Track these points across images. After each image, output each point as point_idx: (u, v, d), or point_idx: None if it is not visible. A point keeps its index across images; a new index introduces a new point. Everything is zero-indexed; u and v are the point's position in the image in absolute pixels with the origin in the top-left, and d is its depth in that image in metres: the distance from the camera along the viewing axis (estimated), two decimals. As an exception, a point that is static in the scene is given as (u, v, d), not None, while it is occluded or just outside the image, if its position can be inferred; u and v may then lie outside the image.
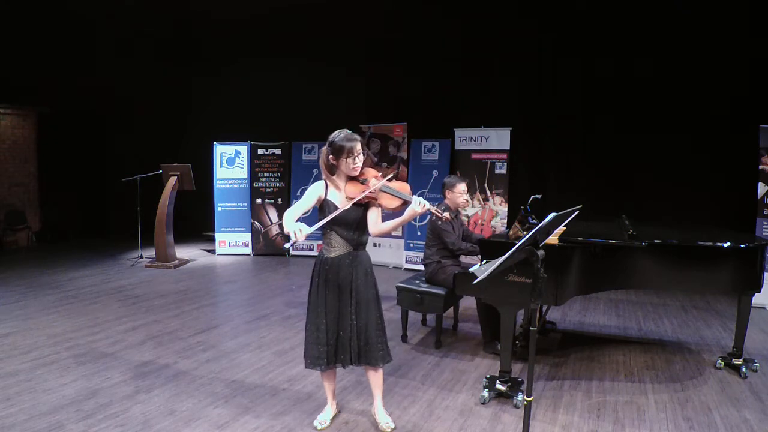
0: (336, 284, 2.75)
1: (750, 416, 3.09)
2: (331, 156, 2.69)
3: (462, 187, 4.30)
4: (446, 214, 2.70)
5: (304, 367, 2.85)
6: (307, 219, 2.45)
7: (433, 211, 2.64)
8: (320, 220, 2.65)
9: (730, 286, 3.62)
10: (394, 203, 2.66)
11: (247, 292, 6.08)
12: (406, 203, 2.63)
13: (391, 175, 2.74)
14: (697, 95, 6.19)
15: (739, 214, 5.92)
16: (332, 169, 2.73)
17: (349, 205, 2.62)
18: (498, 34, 7.17)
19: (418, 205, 2.54)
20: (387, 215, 2.76)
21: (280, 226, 8.29)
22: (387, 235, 2.78)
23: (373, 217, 2.73)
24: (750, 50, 5.93)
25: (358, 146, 2.67)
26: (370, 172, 2.79)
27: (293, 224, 2.44)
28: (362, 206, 2.71)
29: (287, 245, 2.54)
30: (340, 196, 2.72)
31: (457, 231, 4.33)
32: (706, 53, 6.12)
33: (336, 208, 2.66)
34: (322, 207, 2.73)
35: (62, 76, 8.94)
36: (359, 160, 2.69)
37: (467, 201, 4.41)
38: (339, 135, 2.69)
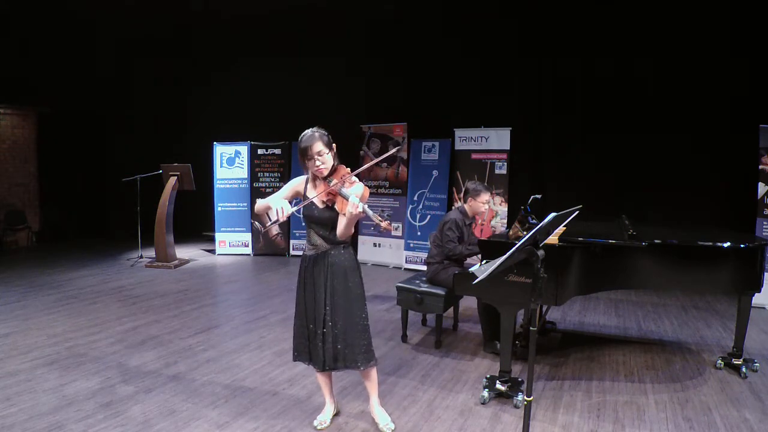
0: (312, 283, 2.75)
1: (750, 416, 3.09)
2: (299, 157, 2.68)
3: (486, 196, 4.30)
4: (384, 223, 2.56)
5: (292, 359, 2.88)
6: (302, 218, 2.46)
7: (372, 216, 2.50)
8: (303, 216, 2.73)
9: (730, 286, 3.62)
10: (345, 206, 2.55)
11: (247, 292, 6.08)
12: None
13: (352, 177, 2.63)
14: (697, 95, 6.20)
15: (739, 214, 5.92)
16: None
17: (308, 201, 2.64)
18: (498, 34, 7.17)
19: (353, 206, 2.46)
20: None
21: (280, 225, 8.28)
22: (348, 235, 2.68)
23: (341, 218, 2.65)
24: (750, 50, 5.93)
25: (317, 147, 2.57)
26: (339, 172, 2.68)
27: (278, 202, 2.52)
28: (331, 208, 2.66)
29: (268, 224, 2.51)
30: (315, 194, 2.70)
31: (466, 237, 4.32)
32: (706, 53, 6.12)
33: (312, 204, 2.67)
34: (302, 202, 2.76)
35: (62, 76, 8.95)
36: (321, 162, 2.59)
37: (486, 210, 4.41)
38: (303, 136, 2.62)
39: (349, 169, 2.73)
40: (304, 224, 2.78)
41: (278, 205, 2.48)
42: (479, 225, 7.02)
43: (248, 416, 3.05)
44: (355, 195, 2.51)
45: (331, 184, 2.62)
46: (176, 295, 5.80)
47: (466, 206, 4.33)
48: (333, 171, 2.66)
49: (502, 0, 7.13)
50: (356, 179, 2.66)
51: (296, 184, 2.77)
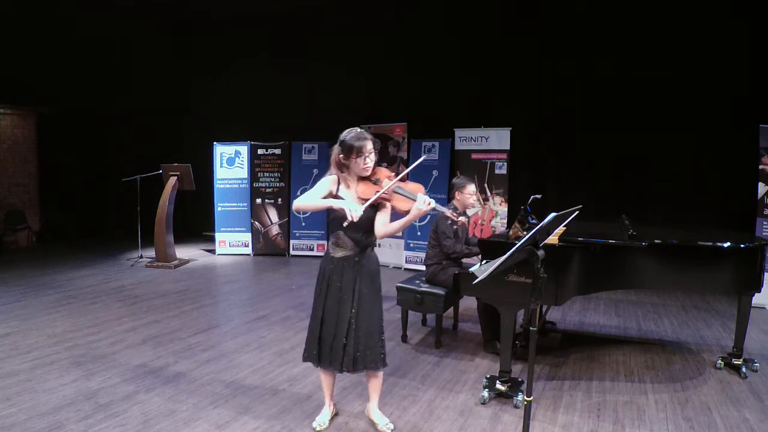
0: (338, 285, 2.71)
1: (750, 416, 3.09)
2: (341, 155, 2.63)
3: (472, 188, 4.28)
4: (462, 218, 2.65)
5: (302, 359, 2.85)
6: (314, 220, 2.43)
7: (449, 215, 2.59)
8: (329, 217, 2.63)
9: (730, 286, 3.62)
10: (406, 205, 2.57)
11: (247, 292, 6.08)
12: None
13: (403, 174, 2.65)
14: (697, 95, 6.20)
15: (739, 214, 5.92)
16: (343, 168, 2.66)
17: (364, 207, 2.53)
18: (498, 34, 7.18)
19: (423, 203, 2.48)
20: (394, 215, 2.68)
21: (280, 225, 8.29)
22: (392, 236, 2.73)
23: (383, 218, 2.65)
24: (750, 50, 5.93)
25: (369, 145, 2.60)
26: (383, 172, 2.70)
27: (345, 202, 2.46)
28: (373, 207, 2.63)
29: (345, 223, 2.47)
30: (351, 195, 2.67)
31: (460, 234, 4.31)
32: (706, 53, 6.12)
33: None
34: None
35: (62, 76, 8.95)
36: (370, 160, 2.62)
37: (475, 202, 4.38)
38: (350, 134, 2.62)
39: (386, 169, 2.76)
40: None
41: (352, 206, 2.44)
42: (479, 225, 7.03)
43: (248, 416, 3.05)
44: (421, 194, 2.55)
45: (384, 183, 2.61)
46: (176, 295, 5.80)
47: (454, 202, 4.31)
48: (372, 171, 2.68)
49: (502, 0, 7.13)
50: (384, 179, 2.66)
51: (329, 183, 2.68)
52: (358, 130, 2.66)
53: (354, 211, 2.42)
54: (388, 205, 2.65)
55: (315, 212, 2.73)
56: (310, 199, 2.59)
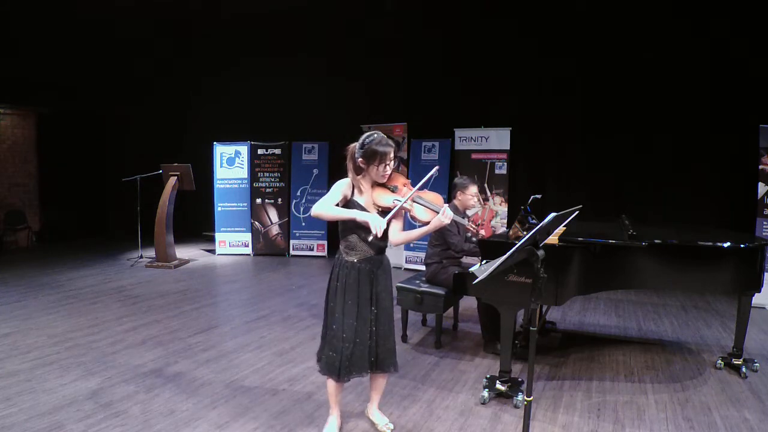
0: (356, 289, 2.64)
1: (750, 416, 3.09)
2: (360, 159, 2.56)
3: (474, 189, 4.24)
4: (483, 231, 2.65)
5: (319, 372, 2.73)
6: (315, 220, 2.40)
7: (470, 227, 2.59)
8: (342, 222, 2.61)
9: (730, 286, 3.62)
10: (426, 215, 2.55)
11: (247, 292, 6.08)
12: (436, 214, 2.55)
13: (420, 184, 2.59)
14: (697, 95, 6.20)
15: (739, 214, 5.93)
16: (359, 171, 2.60)
17: (386, 219, 2.49)
18: (498, 34, 7.18)
19: (446, 216, 2.47)
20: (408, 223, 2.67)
21: (280, 225, 8.29)
22: (407, 243, 2.69)
23: (398, 225, 2.63)
24: (750, 50, 5.93)
25: (392, 153, 2.56)
26: (399, 179, 2.66)
27: (371, 216, 2.43)
28: (387, 212, 2.58)
29: (370, 238, 2.47)
30: (366, 199, 2.62)
31: (462, 232, 4.31)
32: (706, 53, 6.12)
33: (362, 209, 2.58)
34: (347, 207, 2.60)
35: (62, 76, 8.95)
36: (390, 168, 2.58)
37: (476, 203, 4.37)
38: (373, 138, 2.54)
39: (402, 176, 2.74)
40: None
41: (377, 222, 2.42)
42: (479, 225, 7.02)
43: (248, 416, 3.05)
44: (440, 204, 2.54)
45: (403, 192, 2.60)
46: (176, 295, 5.80)
47: (455, 201, 4.26)
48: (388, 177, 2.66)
49: (501, 0, 7.13)
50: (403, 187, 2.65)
51: (343, 187, 2.60)
52: (381, 134, 2.58)
53: (379, 227, 2.40)
54: (403, 212, 2.62)
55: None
56: (330, 208, 2.52)
